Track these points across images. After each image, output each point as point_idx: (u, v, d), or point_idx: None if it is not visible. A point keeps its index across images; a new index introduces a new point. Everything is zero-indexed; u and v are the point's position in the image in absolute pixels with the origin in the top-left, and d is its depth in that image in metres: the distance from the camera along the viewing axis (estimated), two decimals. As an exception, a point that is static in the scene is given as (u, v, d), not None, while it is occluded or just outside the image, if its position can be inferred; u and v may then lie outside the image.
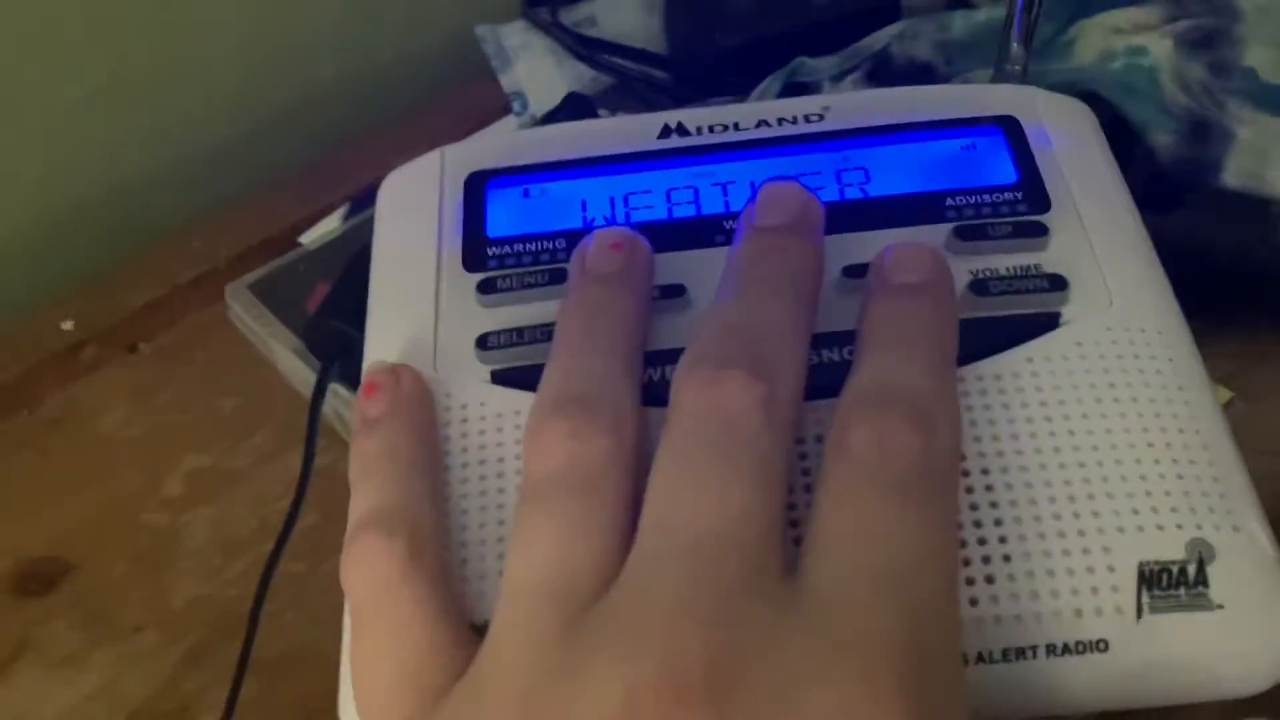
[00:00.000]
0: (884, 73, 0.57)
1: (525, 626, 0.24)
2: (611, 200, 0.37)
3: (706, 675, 0.21)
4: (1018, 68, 0.44)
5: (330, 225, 0.60)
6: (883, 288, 0.30)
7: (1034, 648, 0.26)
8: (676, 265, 0.33)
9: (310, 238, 0.59)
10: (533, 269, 0.34)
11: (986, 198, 0.34)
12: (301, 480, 0.40)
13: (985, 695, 0.26)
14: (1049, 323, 0.31)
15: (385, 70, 0.74)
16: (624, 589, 0.24)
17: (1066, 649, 0.26)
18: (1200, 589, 0.27)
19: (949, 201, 0.34)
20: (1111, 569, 0.27)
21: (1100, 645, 0.26)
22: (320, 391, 0.41)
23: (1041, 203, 0.34)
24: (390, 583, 0.26)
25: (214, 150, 0.68)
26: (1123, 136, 0.48)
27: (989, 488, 0.28)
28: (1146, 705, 0.28)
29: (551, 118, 0.58)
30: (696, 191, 0.37)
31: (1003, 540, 0.27)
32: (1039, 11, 0.44)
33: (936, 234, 0.33)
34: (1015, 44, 0.44)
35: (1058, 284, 0.32)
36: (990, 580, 0.27)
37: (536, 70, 0.69)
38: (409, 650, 0.26)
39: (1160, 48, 0.50)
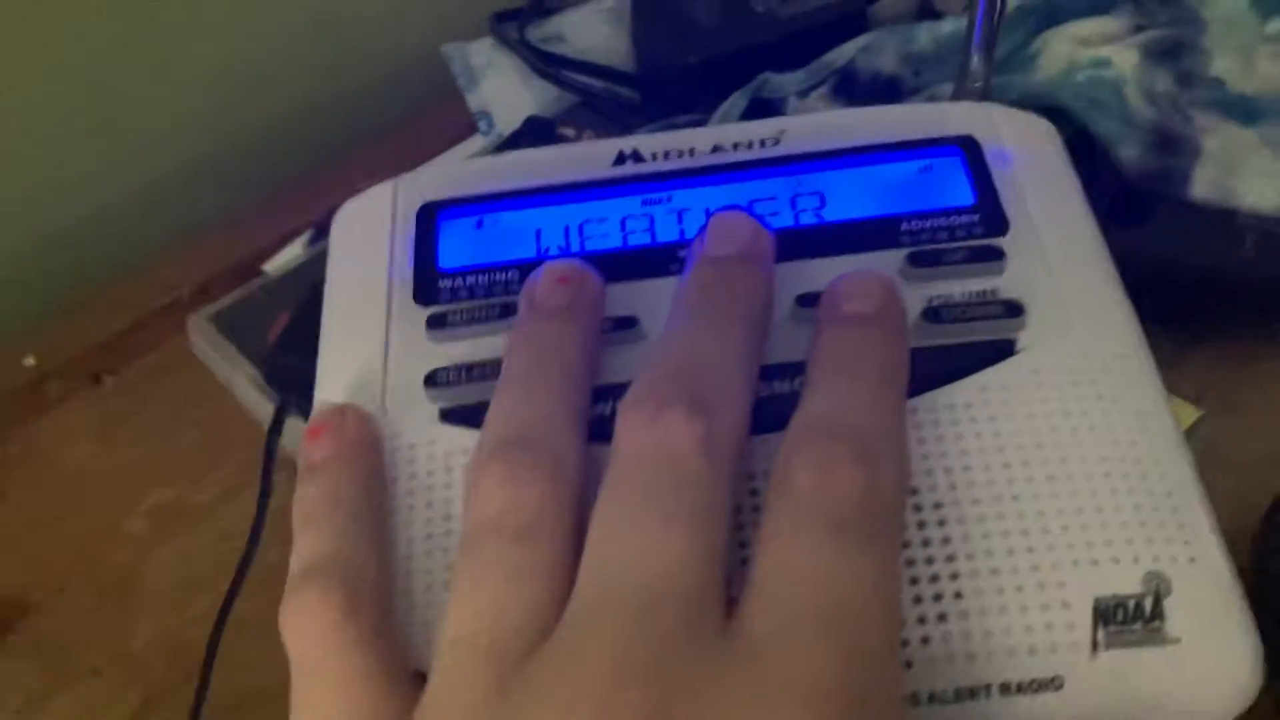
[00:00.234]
0: (850, 87, 0.56)
1: (462, 680, 0.24)
2: (566, 229, 0.36)
3: None
4: (978, 84, 0.44)
5: (294, 252, 0.59)
6: (832, 317, 0.29)
7: (987, 686, 0.26)
8: (631, 295, 0.33)
9: (274, 265, 0.59)
10: (484, 302, 0.34)
11: (943, 221, 0.34)
12: (257, 519, 0.39)
13: None
14: (1004, 350, 0.31)
15: (352, 93, 0.73)
16: (561, 641, 0.23)
17: (1021, 687, 0.26)
18: (1156, 623, 0.26)
19: (904, 226, 0.34)
20: (1066, 604, 0.26)
21: (1055, 683, 0.26)
22: (276, 428, 0.41)
23: (999, 225, 0.34)
24: (327, 637, 0.26)
25: (178, 178, 0.67)
26: (1089, 150, 0.47)
27: (942, 522, 0.27)
28: (1103, 742, 0.27)
29: (511, 142, 0.58)
30: (652, 219, 0.36)
31: (955, 576, 0.27)
32: (999, 25, 0.43)
33: (892, 260, 0.33)
34: (976, 58, 0.44)
35: (1013, 310, 0.31)
36: (943, 618, 0.26)
37: (503, 89, 0.69)
38: (346, 706, 0.25)
39: (1124, 59, 0.49)
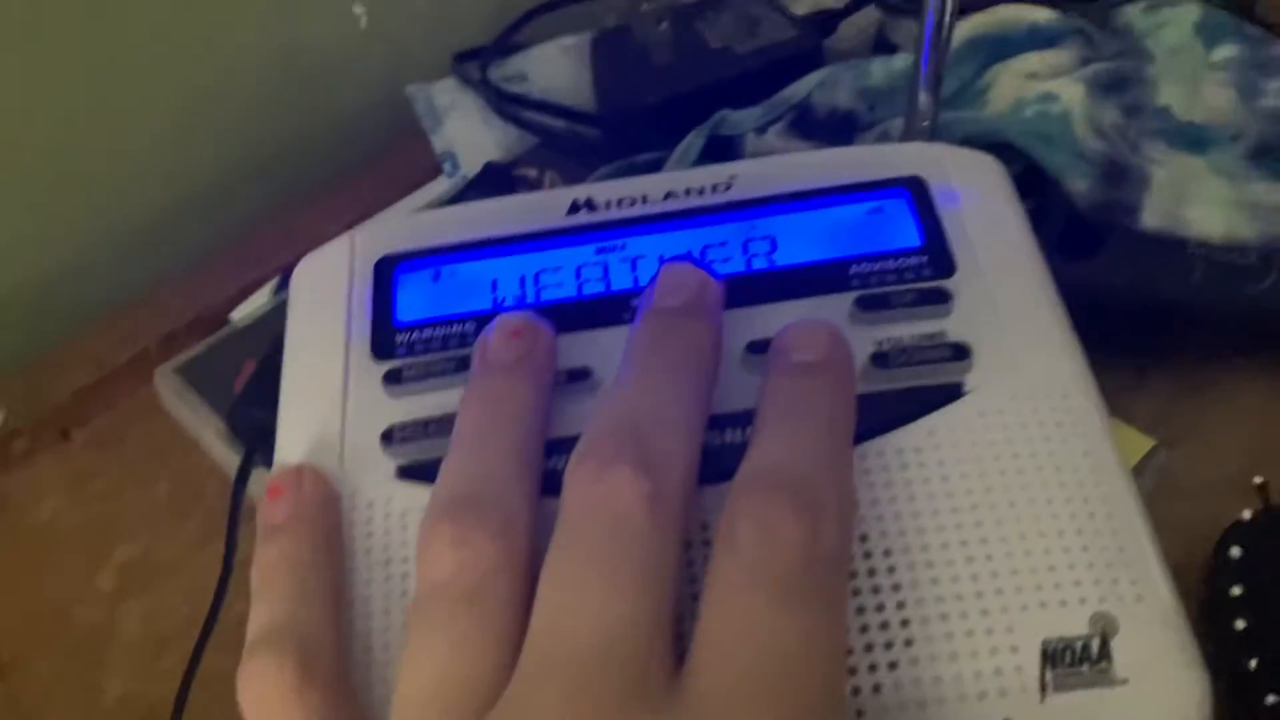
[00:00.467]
0: (807, 122, 0.57)
1: (415, 745, 0.24)
2: (522, 279, 0.36)
3: None
4: (926, 123, 0.44)
5: (261, 300, 0.60)
6: (780, 366, 0.30)
7: None
8: (586, 345, 0.33)
9: (241, 314, 0.59)
10: (440, 356, 0.34)
11: (891, 264, 0.34)
12: (223, 575, 0.39)
13: None
14: (952, 393, 0.31)
15: (315, 137, 0.74)
16: (509, 702, 0.24)
17: (970, 733, 0.26)
18: (1104, 664, 0.26)
19: (853, 269, 0.34)
20: (1015, 648, 0.26)
21: (1005, 727, 0.26)
22: (241, 481, 0.41)
23: (946, 267, 0.34)
24: (284, 704, 0.26)
25: (140, 230, 0.67)
26: (1040, 183, 0.48)
27: (891, 569, 0.28)
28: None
29: (470, 188, 0.58)
30: (606, 267, 0.36)
31: (905, 623, 0.27)
32: (943, 64, 0.44)
33: (841, 304, 0.33)
34: (923, 96, 0.44)
35: (960, 353, 0.31)
36: (893, 666, 0.26)
37: (467, 129, 0.69)
38: (303, 772, 0.26)
39: (1072, 93, 0.50)
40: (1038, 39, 0.55)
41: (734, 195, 0.37)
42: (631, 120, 0.63)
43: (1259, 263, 0.45)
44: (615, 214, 0.37)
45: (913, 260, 0.34)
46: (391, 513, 0.31)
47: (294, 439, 0.34)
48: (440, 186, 0.67)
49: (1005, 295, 0.33)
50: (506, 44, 0.74)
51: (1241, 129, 0.50)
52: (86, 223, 0.65)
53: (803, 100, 0.57)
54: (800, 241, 0.36)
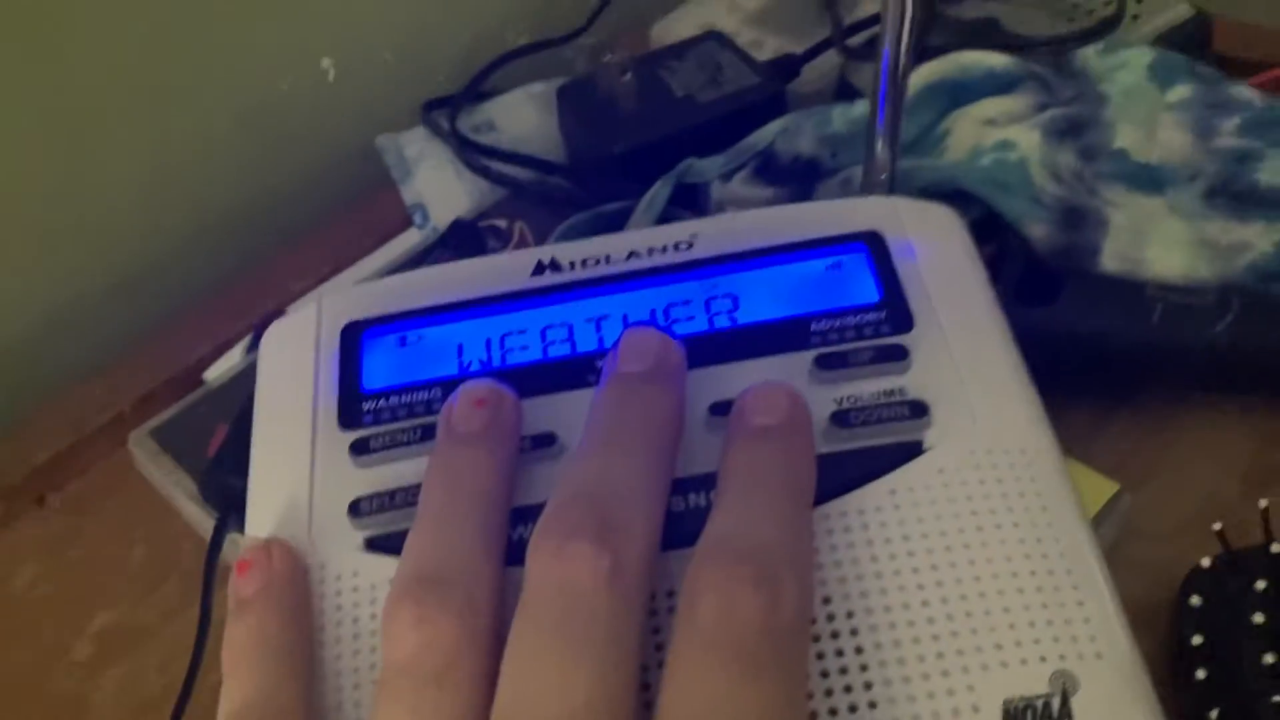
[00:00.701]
0: (771, 169, 0.58)
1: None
2: (488, 343, 0.37)
3: None
4: (884, 175, 0.45)
5: (234, 359, 0.60)
6: (740, 431, 0.30)
7: None
8: (551, 409, 0.33)
9: (214, 374, 0.59)
10: (406, 424, 0.34)
11: (850, 320, 0.35)
12: (198, 644, 0.39)
13: None
14: (912, 451, 0.31)
15: (284, 190, 0.74)
16: None
17: (932, 796, 0.26)
18: (1065, 722, 0.27)
19: (814, 327, 0.35)
20: (976, 708, 0.27)
21: (968, 788, 0.26)
22: (214, 550, 0.41)
23: (904, 322, 0.34)
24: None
25: (113, 290, 0.67)
26: (998, 230, 0.48)
27: (854, 630, 0.28)
28: None
29: (439, 246, 0.59)
30: (571, 329, 0.37)
31: (868, 686, 0.27)
32: (901, 111, 0.44)
33: (801, 362, 0.33)
34: (880, 147, 0.45)
35: (918, 410, 0.32)
36: (857, 731, 0.27)
37: (437, 180, 0.70)
38: None
39: (1028, 139, 0.51)
40: (995, 84, 0.55)
41: (696, 254, 0.38)
42: (598, 170, 0.63)
43: (1216, 303, 0.46)
44: (579, 274, 0.38)
45: (871, 316, 0.35)
46: (360, 585, 0.31)
47: (263, 511, 0.34)
48: (412, 238, 0.67)
49: (963, 349, 0.34)
50: (475, 92, 0.74)
51: (1198, 169, 0.51)
52: (60, 283, 0.65)
53: (766, 148, 0.58)
54: (761, 299, 0.36)
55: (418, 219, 0.68)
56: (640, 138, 0.62)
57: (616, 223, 0.58)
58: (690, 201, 0.59)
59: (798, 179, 0.57)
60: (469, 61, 0.76)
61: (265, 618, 0.30)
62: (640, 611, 0.26)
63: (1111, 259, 0.48)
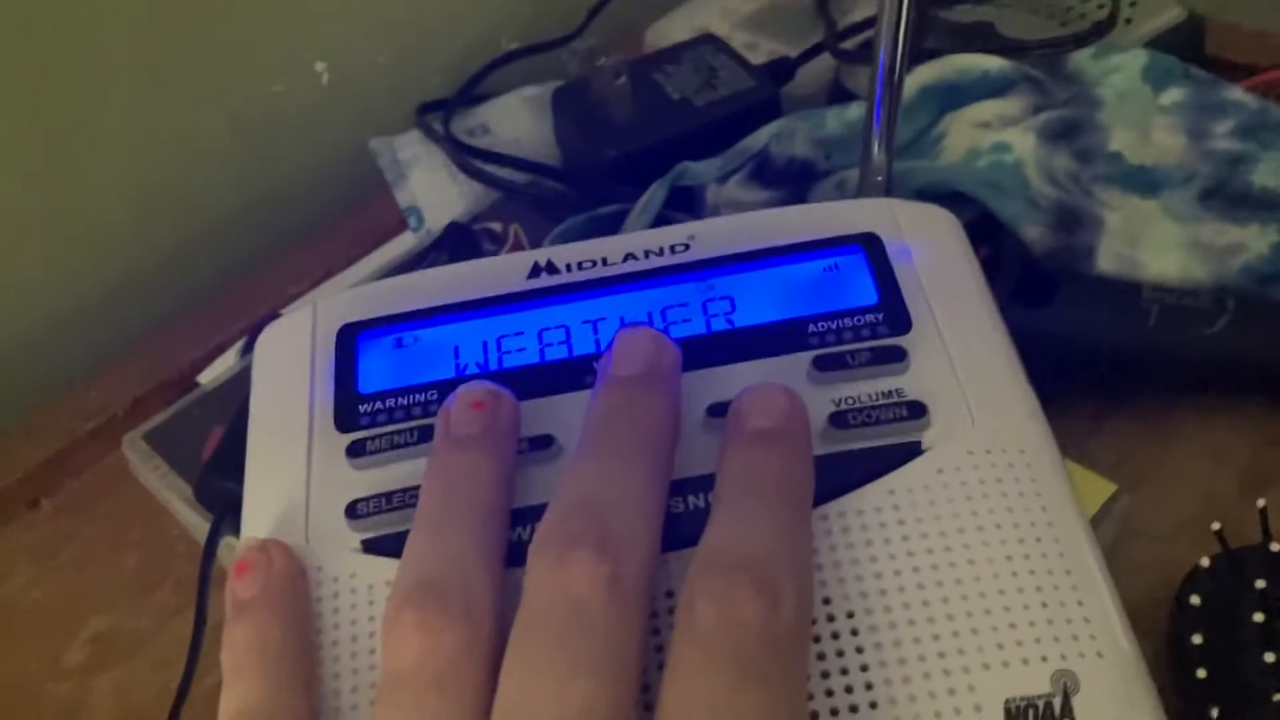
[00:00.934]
0: (766, 172, 0.57)
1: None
2: (485, 345, 0.37)
3: None
4: (880, 178, 0.45)
5: (228, 362, 0.60)
6: (737, 435, 0.30)
7: None
8: (549, 411, 0.33)
9: (208, 377, 0.59)
10: (403, 426, 0.34)
11: (848, 322, 0.35)
12: (192, 650, 0.39)
13: None
14: (911, 451, 0.31)
15: (278, 193, 0.74)
16: None
17: (933, 797, 0.26)
18: (1066, 722, 0.27)
19: (811, 328, 0.34)
20: (979, 708, 0.27)
21: (968, 789, 0.26)
22: (209, 554, 0.41)
23: (902, 323, 0.34)
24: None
25: (108, 294, 0.67)
26: (995, 232, 0.48)
27: (854, 631, 0.28)
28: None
29: (434, 249, 0.58)
30: (568, 331, 0.36)
31: (869, 686, 0.27)
32: (897, 113, 0.44)
33: (799, 364, 0.33)
34: (876, 150, 0.45)
35: (917, 411, 0.32)
36: (858, 732, 0.27)
37: (431, 183, 0.69)
38: None
39: (1024, 142, 0.51)
40: (990, 87, 0.55)
41: (692, 255, 0.37)
42: (593, 173, 0.63)
43: (1212, 304, 0.46)
44: (576, 276, 0.38)
45: (868, 317, 0.35)
46: (357, 588, 0.31)
47: (259, 514, 0.34)
48: (406, 242, 0.67)
49: (960, 349, 0.34)
50: (469, 95, 0.74)
51: (1192, 171, 0.51)
52: (54, 287, 0.65)
53: (761, 150, 0.58)
54: (759, 301, 0.36)
55: (412, 222, 0.67)
56: (635, 141, 0.62)
57: (611, 226, 0.58)
58: (685, 204, 0.59)
59: (793, 182, 0.57)
60: (463, 65, 0.76)
61: (265, 620, 0.30)
62: (641, 619, 0.26)
63: (1107, 261, 0.48)
